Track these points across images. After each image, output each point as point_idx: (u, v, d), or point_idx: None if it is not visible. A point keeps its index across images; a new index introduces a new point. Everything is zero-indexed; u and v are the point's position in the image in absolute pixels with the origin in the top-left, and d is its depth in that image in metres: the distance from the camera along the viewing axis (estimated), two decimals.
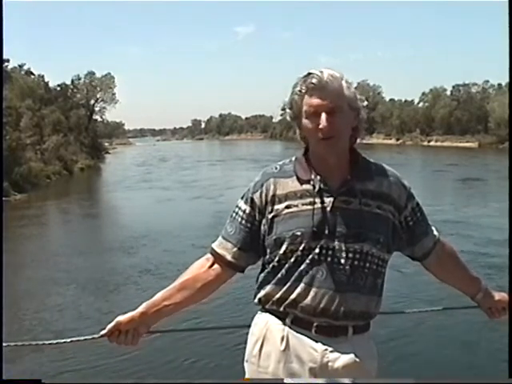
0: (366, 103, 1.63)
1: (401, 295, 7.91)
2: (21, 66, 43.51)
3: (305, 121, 1.56)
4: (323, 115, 1.52)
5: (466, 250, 10.08)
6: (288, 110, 1.61)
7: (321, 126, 1.52)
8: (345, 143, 1.59)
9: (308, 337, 1.58)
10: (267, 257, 1.63)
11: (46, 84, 47.45)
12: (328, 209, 1.56)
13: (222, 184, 24.92)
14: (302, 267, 1.56)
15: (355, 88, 1.61)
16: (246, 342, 1.69)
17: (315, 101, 1.52)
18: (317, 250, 1.55)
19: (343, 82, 1.55)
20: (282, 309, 1.60)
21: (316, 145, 1.57)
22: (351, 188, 1.58)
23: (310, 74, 1.54)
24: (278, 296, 1.59)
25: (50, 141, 34.79)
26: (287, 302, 1.58)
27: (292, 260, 1.57)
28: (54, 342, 1.72)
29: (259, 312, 1.68)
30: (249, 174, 24.21)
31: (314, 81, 1.52)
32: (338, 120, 1.53)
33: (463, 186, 24.03)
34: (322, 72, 1.53)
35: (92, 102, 53.34)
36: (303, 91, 1.54)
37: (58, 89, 50.57)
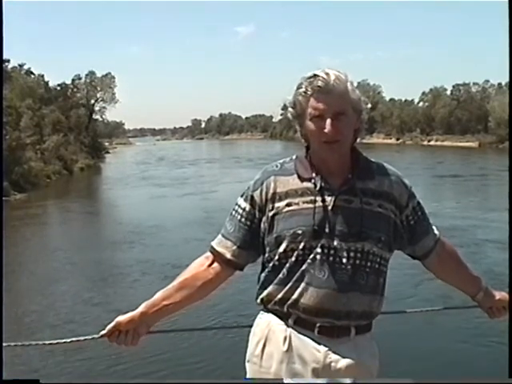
0: (369, 105, 1.63)
1: (401, 295, 7.90)
2: (21, 66, 43.48)
3: (308, 122, 1.56)
4: (328, 120, 1.51)
5: None
6: (290, 109, 1.60)
7: (326, 131, 1.51)
8: (347, 145, 1.59)
9: (310, 338, 1.58)
10: (267, 255, 1.62)
11: (46, 84, 47.48)
12: (329, 207, 1.56)
13: (220, 182, 25.14)
14: (304, 267, 1.55)
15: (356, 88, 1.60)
16: (247, 342, 1.69)
17: (321, 105, 1.52)
18: (318, 250, 1.55)
19: (348, 85, 1.54)
20: (284, 309, 1.59)
21: (319, 147, 1.57)
22: (352, 187, 1.58)
23: (315, 75, 1.52)
24: (280, 296, 1.59)
25: (50, 140, 34.79)
26: (289, 302, 1.57)
27: (293, 259, 1.56)
28: (54, 342, 1.70)
29: (261, 312, 1.67)
30: (248, 172, 24.34)
31: (319, 84, 1.51)
32: (342, 124, 1.52)
33: (442, 182, 25.38)
34: (327, 74, 1.52)
35: (92, 101, 53.45)
36: (308, 93, 1.53)
37: (58, 88, 50.62)
